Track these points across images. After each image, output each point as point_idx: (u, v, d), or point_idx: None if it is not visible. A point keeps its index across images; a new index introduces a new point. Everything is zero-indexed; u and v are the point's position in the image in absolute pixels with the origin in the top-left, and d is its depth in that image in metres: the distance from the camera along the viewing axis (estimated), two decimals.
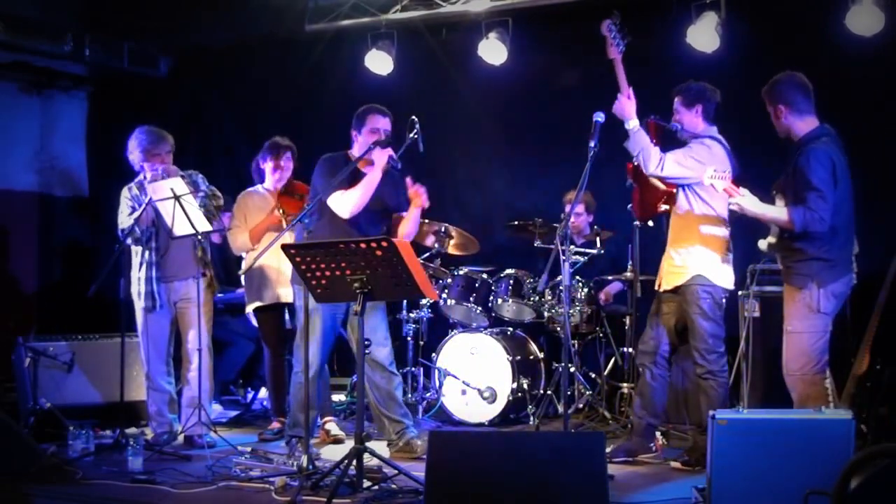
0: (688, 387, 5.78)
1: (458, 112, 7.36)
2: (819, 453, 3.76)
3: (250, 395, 7.12)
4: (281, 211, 5.55)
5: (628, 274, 6.11)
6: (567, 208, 5.71)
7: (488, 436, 5.03)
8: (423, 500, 3.83)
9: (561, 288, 5.57)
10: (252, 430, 6.14)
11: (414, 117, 5.07)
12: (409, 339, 6.54)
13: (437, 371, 6.34)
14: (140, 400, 5.95)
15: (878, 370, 4.41)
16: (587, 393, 6.28)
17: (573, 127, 5.84)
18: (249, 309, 6.00)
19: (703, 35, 6.26)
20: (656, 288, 5.10)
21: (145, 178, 5.58)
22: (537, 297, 6.26)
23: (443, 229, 6.29)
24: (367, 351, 5.32)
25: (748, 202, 4.48)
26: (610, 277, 6.41)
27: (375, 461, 4.44)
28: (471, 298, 6.35)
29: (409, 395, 6.41)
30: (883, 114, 6.00)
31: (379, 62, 7.23)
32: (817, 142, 4.48)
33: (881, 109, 6.01)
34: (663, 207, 5.08)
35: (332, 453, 5.21)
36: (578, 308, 6.20)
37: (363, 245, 4.14)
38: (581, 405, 6.29)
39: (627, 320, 6.19)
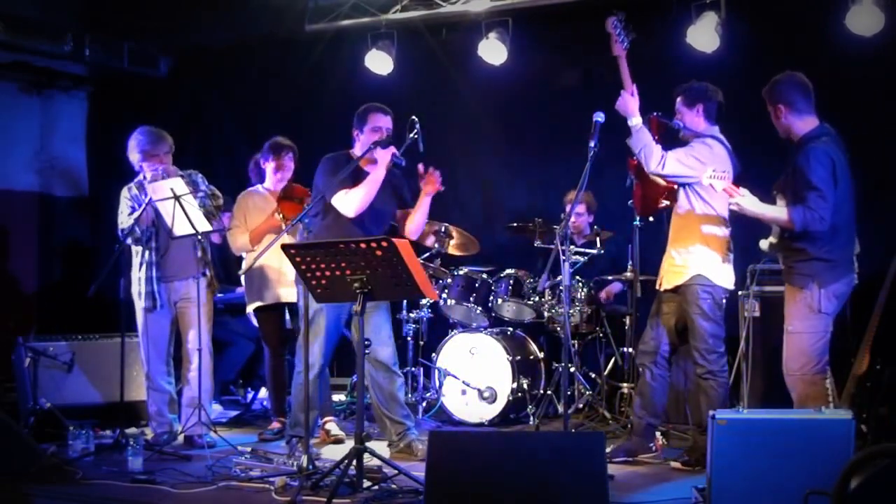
0: (688, 387, 5.78)
1: (458, 112, 7.37)
2: (819, 453, 3.76)
3: (250, 395, 7.12)
4: (280, 215, 5.54)
5: (628, 274, 6.11)
6: (567, 208, 5.71)
7: (488, 436, 5.03)
8: (423, 500, 3.83)
9: (561, 288, 5.57)
10: (252, 430, 6.14)
11: (414, 117, 5.07)
12: (409, 339, 6.54)
13: (437, 371, 6.34)
14: (140, 400, 5.95)
15: (878, 370, 4.40)
16: (587, 393, 6.28)
17: (573, 127, 5.85)
18: (250, 309, 6.00)
19: (703, 35, 6.26)
20: (657, 287, 5.10)
21: (145, 178, 5.58)
22: (537, 297, 6.26)
23: (443, 229, 6.29)
24: (367, 351, 5.33)
25: (748, 202, 4.48)
26: (610, 277, 6.40)
27: (375, 461, 4.44)
28: (471, 298, 6.35)
29: (409, 395, 6.41)
30: (883, 114, 6.00)
31: (379, 62, 7.23)
32: (817, 141, 4.48)
33: (881, 109, 6.02)
34: (664, 203, 5.09)
35: (333, 453, 5.21)
36: (578, 308, 6.20)
37: (363, 245, 4.14)
38: (581, 405, 6.29)
39: (627, 320, 6.18)
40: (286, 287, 5.80)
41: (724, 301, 4.92)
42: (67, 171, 8.66)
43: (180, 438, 5.58)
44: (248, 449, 5.25)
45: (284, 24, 7.43)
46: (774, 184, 4.70)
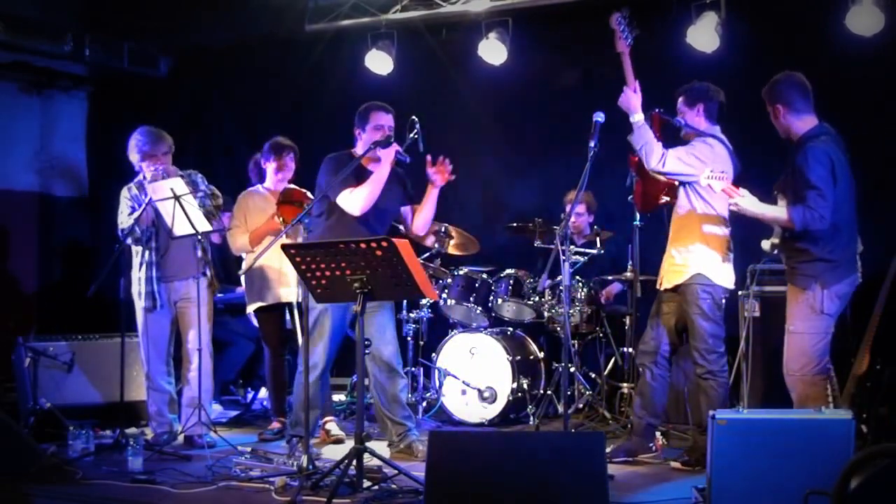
0: (688, 387, 5.78)
1: (458, 112, 7.36)
2: (819, 453, 3.76)
3: (250, 395, 7.12)
4: (280, 219, 5.53)
5: (628, 274, 6.11)
6: (567, 208, 5.71)
7: (488, 436, 5.02)
8: (423, 500, 3.83)
9: (561, 288, 5.57)
10: (252, 430, 6.14)
11: (414, 117, 5.07)
12: (409, 339, 6.54)
13: (437, 371, 6.34)
14: (140, 400, 5.95)
15: (878, 370, 4.40)
16: (587, 393, 6.28)
17: (573, 127, 5.85)
18: (250, 309, 6.00)
19: (703, 35, 6.26)
20: (657, 287, 5.10)
21: (145, 178, 5.58)
22: (537, 297, 6.26)
23: (443, 229, 6.29)
24: (368, 351, 5.34)
25: (747, 202, 4.48)
26: (610, 277, 6.41)
27: (375, 461, 4.44)
28: (471, 298, 6.35)
29: (410, 395, 6.40)
30: (883, 114, 6.00)
31: (379, 62, 7.23)
32: (816, 140, 4.49)
33: (881, 109, 6.01)
34: (664, 199, 5.10)
35: (333, 453, 5.21)
36: (578, 308, 6.20)
37: (363, 245, 4.14)
38: (581, 405, 6.29)
39: (627, 320, 6.18)
40: (287, 287, 5.80)
41: (723, 301, 4.92)
42: (67, 171, 8.66)
43: (180, 438, 5.57)
44: (248, 449, 5.25)
45: (284, 24, 7.43)
46: (775, 184, 4.70)
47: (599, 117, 4.81)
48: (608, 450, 4.88)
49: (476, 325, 6.47)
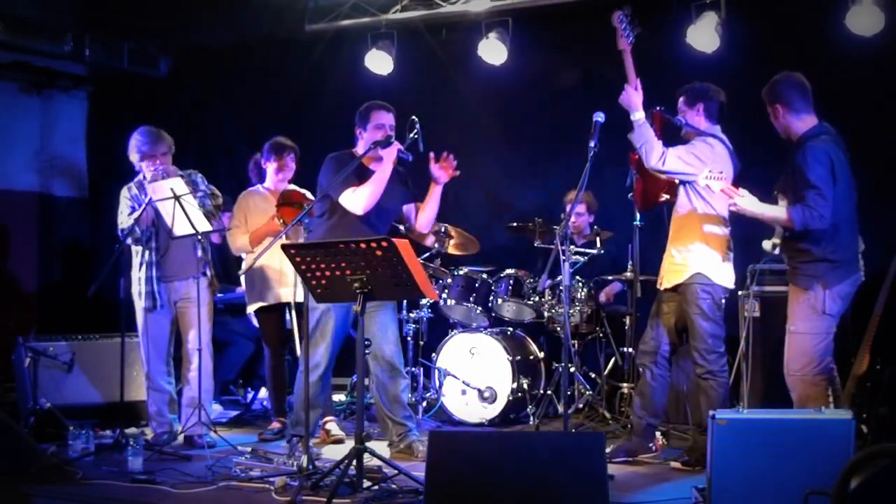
0: (688, 387, 5.78)
1: (458, 112, 7.36)
2: (819, 453, 3.76)
3: (250, 395, 7.12)
4: (281, 221, 5.54)
5: (628, 274, 6.11)
6: (567, 208, 5.71)
7: (488, 436, 5.02)
8: (423, 500, 3.83)
9: (561, 288, 5.57)
10: (252, 430, 6.14)
11: (414, 117, 5.08)
12: (409, 339, 6.54)
13: (437, 371, 6.34)
14: (140, 400, 5.95)
15: (878, 370, 4.40)
16: (587, 393, 6.28)
17: (573, 127, 5.85)
18: (251, 309, 6.00)
19: (703, 35, 6.26)
20: (657, 286, 5.10)
21: (145, 178, 5.58)
22: (537, 297, 6.26)
23: (443, 229, 6.30)
24: (368, 351, 5.34)
25: (747, 202, 4.48)
26: (610, 277, 6.40)
27: (375, 461, 4.44)
28: (471, 298, 6.35)
29: (410, 395, 6.40)
30: (883, 114, 5.99)
31: (379, 62, 7.23)
32: (815, 140, 4.49)
33: (881, 109, 6.01)
34: (664, 197, 5.10)
35: (333, 453, 5.21)
36: (578, 308, 6.20)
37: (363, 245, 4.14)
38: (581, 405, 6.29)
39: (627, 320, 6.18)
40: (287, 287, 5.80)
41: (723, 301, 4.92)
42: (67, 171, 8.66)
43: (180, 438, 5.57)
44: (248, 449, 5.25)
45: (284, 24, 7.43)
46: (776, 184, 4.70)
47: (599, 117, 4.82)
48: (608, 450, 4.88)
49: (476, 325, 6.47)
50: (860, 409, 4.34)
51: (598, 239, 6.22)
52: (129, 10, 7.59)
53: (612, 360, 6.45)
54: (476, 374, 6.20)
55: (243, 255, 6.08)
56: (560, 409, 5.93)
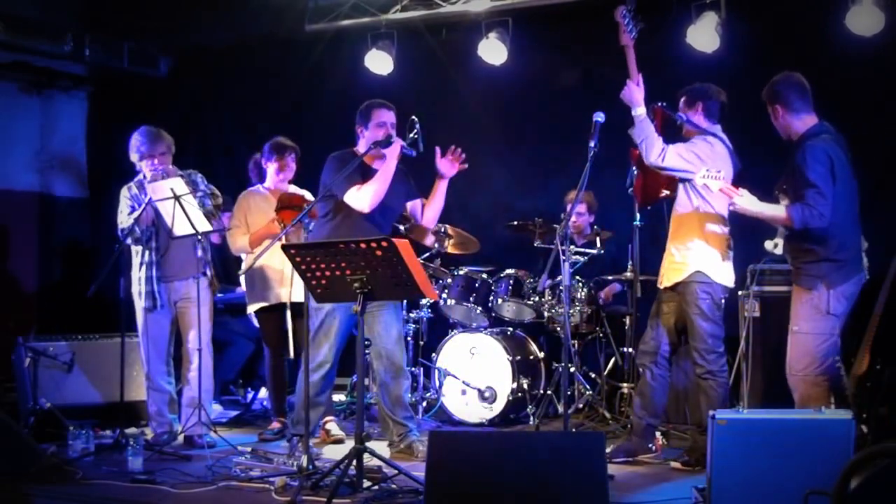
0: (688, 387, 5.78)
1: (458, 112, 7.36)
2: (819, 453, 3.76)
3: (250, 395, 7.12)
4: (281, 225, 5.53)
5: (628, 274, 6.11)
6: (568, 208, 5.70)
7: (488, 436, 5.02)
8: (423, 500, 3.83)
9: (561, 288, 5.57)
10: (252, 430, 6.14)
11: (414, 117, 5.08)
12: (409, 339, 6.54)
13: (437, 371, 6.34)
14: (140, 400, 5.95)
15: (878, 370, 4.40)
16: (587, 393, 6.27)
17: (573, 127, 5.84)
18: (251, 309, 5.99)
19: (703, 35, 6.27)
20: (658, 285, 5.10)
21: (145, 177, 5.58)
22: (537, 297, 6.26)
23: (443, 229, 6.30)
24: (367, 351, 5.34)
25: (746, 201, 4.48)
26: (610, 277, 6.40)
27: (376, 461, 4.44)
28: (471, 298, 6.35)
29: (410, 395, 6.40)
30: (883, 114, 5.99)
31: (379, 62, 7.23)
32: (815, 139, 4.49)
33: (881, 109, 6.01)
34: (665, 193, 5.10)
35: (333, 453, 5.21)
36: (578, 308, 6.19)
37: (363, 245, 4.14)
38: (581, 405, 6.29)
39: (627, 320, 6.18)
40: (287, 287, 5.80)
41: (723, 301, 4.91)
42: (67, 171, 8.67)
43: (180, 438, 5.57)
44: (248, 449, 5.25)
45: (284, 24, 7.43)
46: (777, 184, 4.70)
47: (599, 117, 4.82)
48: (608, 450, 4.88)
49: (476, 325, 6.47)
50: (860, 409, 4.33)
51: (598, 239, 6.22)
52: (129, 10, 7.59)
53: (612, 360, 6.45)
54: (476, 374, 6.20)
55: (243, 256, 6.08)
56: (560, 409, 5.93)
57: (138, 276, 5.63)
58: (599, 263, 6.39)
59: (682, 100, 5.03)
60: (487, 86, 7.27)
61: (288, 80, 7.91)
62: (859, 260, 4.57)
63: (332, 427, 5.77)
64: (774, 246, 4.77)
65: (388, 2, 7.20)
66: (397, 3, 7.18)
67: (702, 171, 4.55)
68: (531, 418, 6.17)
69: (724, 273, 4.90)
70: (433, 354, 6.40)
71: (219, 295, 6.33)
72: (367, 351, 5.90)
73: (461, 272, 6.43)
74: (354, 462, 4.26)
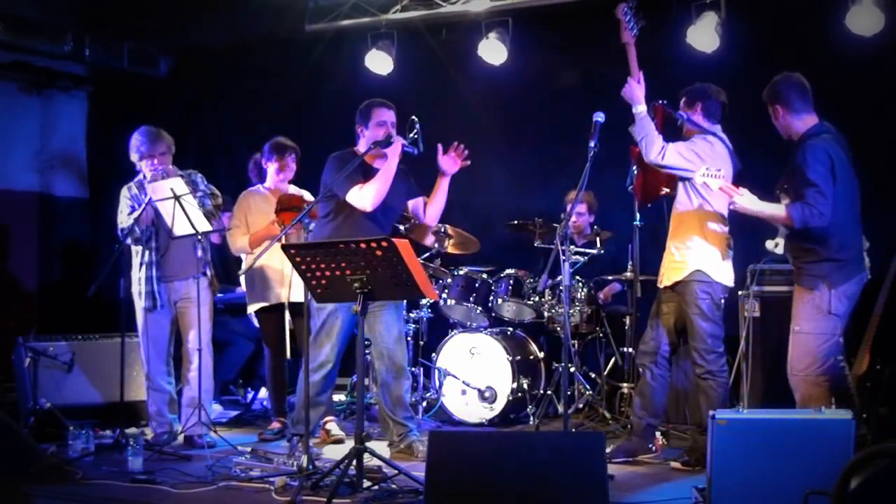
0: (688, 387, 5.78)
1: (458, 112, 7.36)
2: (819, 453, 3.76)
3: (250, 395, 7.12)
4: (281, 226, 5.53)
5: (628, 274, 6.11)
6: (568, 208, 5.70)
7: (488, 436, 5.02)
8: (423, 500, 3.83)
9: (561, 288, 5.57)
10: (252, 430, 6.14)
11: (414, 117, 5.08)
12: (409, 339, 6.53)
13: (437, 371, 6.34)
14: (140, 400, 5.95)
15: (878, 370, 4.40)
16: (587, 393, 6.27)
17: (573, 127, 5.84)
18: (252, 309, 5.99)
19: (703, 35, 6.27)
20: (658, 285, 5.10)
21: (145, 177, 5.58)
22: (537, 297, 6.26)
23: (442, 229, 6.30)
24: (367, 351, 5.34)
25: (746, 200, 4.48)
26: (610, 277, 6.40)
27: (375, 461, 4.44)
28: (471, 298, 6.35)
29: (410, 396, 6.40)
30: (883, 114, 5.99)
31: (379, 62, 7.23)
32: (816, 138, 4.49)
33: (881, 109, 6.01)
34: (665, 190, 5.10)
35: (333, 453, 5.21)
36: (578, 308, 6.19)
37: (363, 245, 4.14)
38: (581, 405, 6.29)
39: (627, 320, 6.18)
40: (288, 287, 5.80)
41: (722, 301, 4.91)
42: (67, 171, 8.67)
43: (180, 438, 5.57)
44: (248, 449, 5.25)
45: (284, 24, 7.43)
46: (777, 184, 4.70)
47: (599, 117, 4.81)
48: (608, 450, 4.88)
49: (476, 325, 6.47)
50: (860, 409, 4.33)
51: (598, 239, 6.22)
52: (129, 10, 7.59)
53: (612, 360, 6.45)
54: (476, 374, 6.20)
55: (243, 256, 6.07)
56: (560, 409, 5.93)
57: (138, 276, 5.63)
58: (599, 263, 6.38)
59: (682, 101, 5.04)
60: (487, 86, 7.27)
61: (288, 80, 7.91)
62: (861, 260, 4.57)
63: (332, 427, 5.77)
64: (775, 245, 4.77)
65: (388, 2, 7.20)
66: (397, 3, 7.18)
67: (702, 169, 4.55)
68: (531, 418, 6.17)
69: (723, 272, 4.90)
70: (433, 354, 6.40)
71: (219, 295, 6.32)
72: (367, 351, 5.91)
73: (461, 272, 6.43)
74: (354, 462, 4.26)
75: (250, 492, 4.45)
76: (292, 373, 5.98)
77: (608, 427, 5.88)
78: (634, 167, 5.24)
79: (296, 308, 5.78)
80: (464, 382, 6.21)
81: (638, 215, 5.79)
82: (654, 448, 5.07)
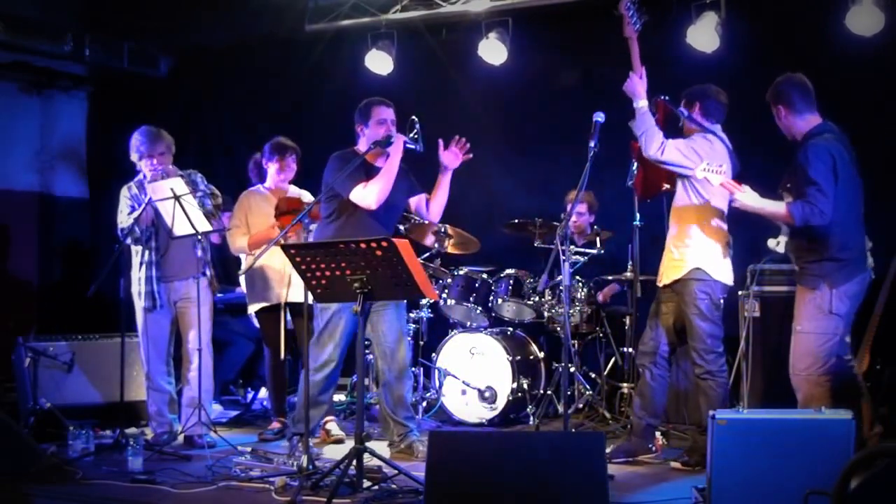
0: (688, 387, 5.78)
1: (458, 112, 7.35)
2: (819, 453, 3.75)
3: (250, 395, 7.12)
4: (281, 229, 5.52)
5: (628, 274, 6.11)
6: (568, 208, 5.70)
7: (488, 436, 5.02)
8: (423, 500, 3.83)
9: (561, 288, 5.57)
10: (252, 430, 6.14)
11: (414, 117, 5.08)
12: (409, 339, 6.53)
13: (437, 371, 6.34)
14: (140, 400, 5.95)
15: (878, 370, 4.41)
16: (587, 393, 6.27)
17: (573, 127, 5.84)
18: (252, 310, 5.99)
19: (703, 35, 6.27)
20: (657, 283, 5.09)
21: (145, 177, 5.58)
22: (537, 297, 6.26)
23: (442, 229, 6.30)
24: (367, 351, 5.34)
25: (748, 197, 4.48)
26: (610, 277, 6.40)
27: (376, 461, 4.44)
28: (471, 298, 6.35)
29: (411, 395, 6.40)
30: (883, 114, 5.99)
31: (379, 62, 7.23)
32: (818, 138, 4.50)
33: (881, 109, 6.01)
34: (665, 186, 5.10)
35: (333, 453, 5.21)
36: (578, 308, 6.19)
37: (363, 245, 4.14)
38: (581, 405, 6.29)
39: (627, 320, 6.18)
40: (288, 287, 5.79)
41: (721, 301, 4.91)
42: (67, 171, 8.67)
43: (180, 438, 5.57)
44: (248, 449, 5.25)
45: (284, 24, 7.43)
46: (780, 183, 4.69)
47: (599, 117, 4.81)
48: (608, 450, 4.88)
49: (476, 325, 6.47)
50: (873, 407, 4.33)
51: (598, 239, 6.22)
52: (129, 10, 7.59)
53: (612, 360, 6.45)
54: (476, 374, 6.20)
55: (242, 256, 6.07)
56: (560, 409, 5.93)
57: (138, 276, 5.63)
58: (599, 263, 6.38)
59: (683, 102, 5.04)
60: (487, 86, 7.27)
61: (288, 80, 7.91)
62: (863, 259, 4.56)
63: (333, 427, 5.77)
64: (777, 244, 4.76)
65: (388, 2, 7.20)
66: (397, 3, 7.18)
67: (702, 164, 4.54)
68: (531, 418, 6.17)
69: (723, 271, 4.90)
70: (433, 354, 6.40)
71: (219, 295, 6.32)
72: (368, 351, 5.91)
73: (461, 272, 6.43)
74: (354, 462, 4.26)
75: (250, 492, 4.45)
76: (294, 372, 5.98)
77: (608, 427, 5.88)
78: (635, 163, 5.23)
79: (296, 308, 5.78)
80: (464, 382, 6.21)
81: (638, 215, 5.79)
82: (653, 448, 5.07)
